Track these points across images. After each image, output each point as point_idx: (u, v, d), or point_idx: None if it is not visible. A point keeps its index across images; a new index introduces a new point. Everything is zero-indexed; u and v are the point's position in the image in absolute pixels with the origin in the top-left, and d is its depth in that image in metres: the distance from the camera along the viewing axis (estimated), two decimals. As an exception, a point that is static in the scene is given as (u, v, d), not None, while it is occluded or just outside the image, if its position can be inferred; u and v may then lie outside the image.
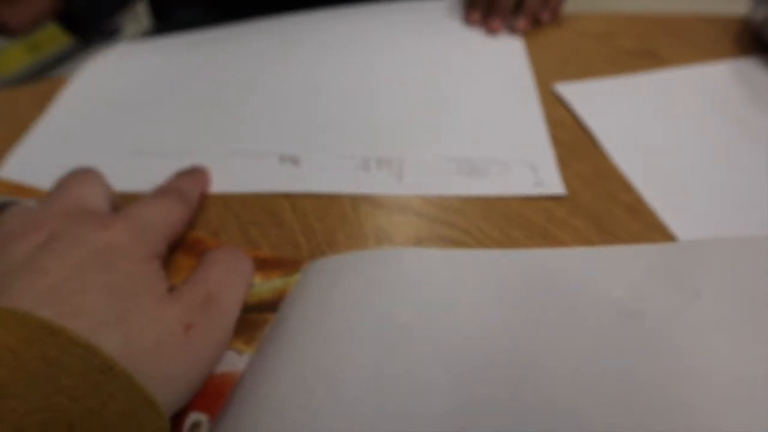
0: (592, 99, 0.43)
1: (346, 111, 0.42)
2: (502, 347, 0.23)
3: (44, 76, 1.34)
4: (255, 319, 0.27)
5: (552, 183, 0.35)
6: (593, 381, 0.21)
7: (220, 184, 0.35)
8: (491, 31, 0.49)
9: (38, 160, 0.38)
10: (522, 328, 0.23)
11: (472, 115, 0.41)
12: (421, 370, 0.22)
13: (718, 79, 0.44)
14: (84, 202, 0.27)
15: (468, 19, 0.50)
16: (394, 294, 0.26)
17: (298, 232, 0.32)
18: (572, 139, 0.39)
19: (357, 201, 0.34)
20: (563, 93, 0.44)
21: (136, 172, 0.36)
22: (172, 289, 0.24)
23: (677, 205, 0.32)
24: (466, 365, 0.22)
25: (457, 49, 0.49)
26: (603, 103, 0.42)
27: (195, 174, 0.34)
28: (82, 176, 0.30)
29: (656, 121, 0.40)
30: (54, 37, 1.34)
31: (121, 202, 0.31)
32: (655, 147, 0.37)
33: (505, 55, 0.48)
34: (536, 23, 0.52)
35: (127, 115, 0.42)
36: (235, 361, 0.25)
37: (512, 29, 0.50)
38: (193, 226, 0.33)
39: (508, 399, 0.21)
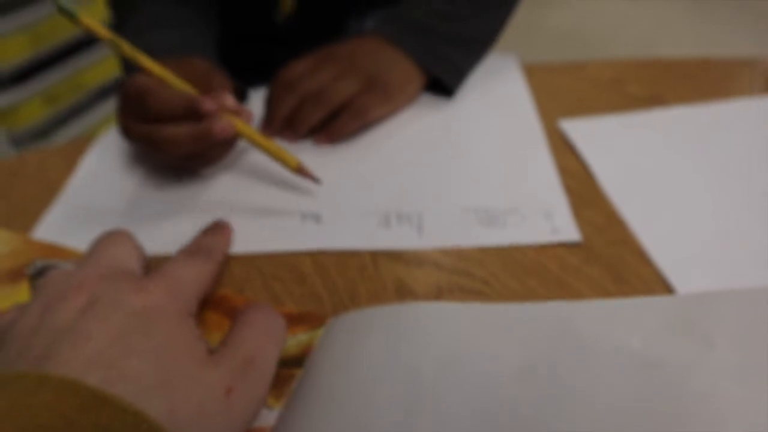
0: (595, 137, 0.44)
1: (366, 169, 0.43)
2: (524, 399, 0.23)
3: (65, 127, 1.37)
4: (283, 374, 0.28)
5: (567, 230, 0.36)
6: (615, 429, 0.21)
7: (245, 244, 0.37)
8: (286, 140, 0.47)
9: (69, 221, 0.40)
10: (543, 379, 0.24)
11: (487, 167, 0.43)
12: (447, 424, 0.23)
13: (725, 118, 0.45)
14: (119, 264, 0.28)
15: (263, 131, 0.48)
16: (417, 349, 0.27)
17: (321, 286, 0.33)
18: (582, 187, 0.40)
19: (376, 254, 0.35)
20: (567, 130, 0.45)
21: (162, 234, 0.38)
22: (210, 350, 0.25)
23: (677, 257, 0.33)
24: (490, 418, 0.23)
25: (468, 104, 0.51)
26: (606, 142, 0.43)
27: (219, 230, 0.36)
28: (114, 238, 0.31)
29: (660, 163, 0.41)
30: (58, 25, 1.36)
31: (151, 263, 0.32)
32: (658, 193, 0.38)
33: (514, 106, 0.50)
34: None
35: (151, 177, 0.44)
36: (265, 417, 0.26)
37: (315, 141, 0.47)
38: (219, 282, 0.34)
39: None
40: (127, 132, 0.41)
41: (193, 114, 0.37)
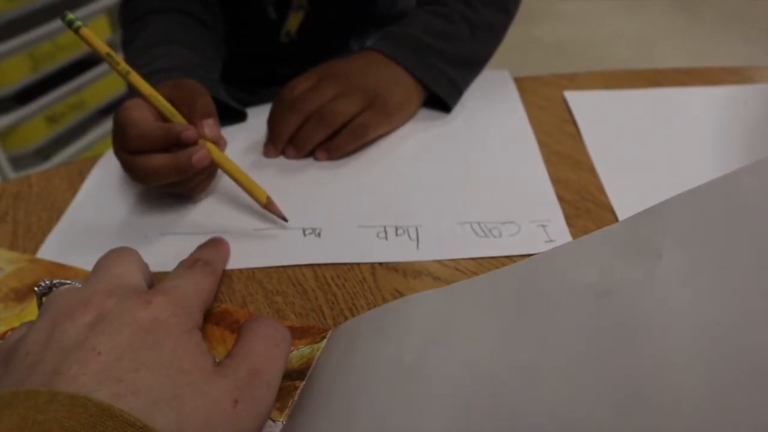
0: (597, 112, 0.49)
1: (364, 183, 0.44)
2: (497, 361, 0.23)
3: (66, 147, 1.38)
4: (286, 386, 0.29)
5: (562, 240, 0.37)
6: (579, 370, 0.21)
7: (249, 259, 0.37)
8: (287, 157, 0.48)
9: (73, 240, 0.41)
10: (514, 346, 0.24)
11: (483, 180, 0.44)
12: (430, 404, 0.24)
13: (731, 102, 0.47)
14: (125, 280, 0.29)
15: (265, 153, 0.49)
16: (399, 340, 0.27)
17: (322, 299, 0.34)
18: (575, 197, 0.41)
19: (375, 267, 0.36)
20: (571, 101, 0.50)
21: (165, 252, 0.39)
22: (215, 361, 0.26)
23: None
24: (466, 391, 0.23)
25: (463, 118, 0.52)
26: (606, 116, 0.48)
27: (216, 244, 0.36)
28: (120, 254, 0.32)
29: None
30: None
31: (155, 280, 0.33)
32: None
33: (509, 120, 0.51)
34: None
35: (153, 195, 0.44)
36: (270, 430, 0.27)
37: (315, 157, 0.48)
38: (221, 298, 0.35)
39: (508, 411, 0.22)
40: (117, 157, 0.42)
41: (173, 143, 0.38)
